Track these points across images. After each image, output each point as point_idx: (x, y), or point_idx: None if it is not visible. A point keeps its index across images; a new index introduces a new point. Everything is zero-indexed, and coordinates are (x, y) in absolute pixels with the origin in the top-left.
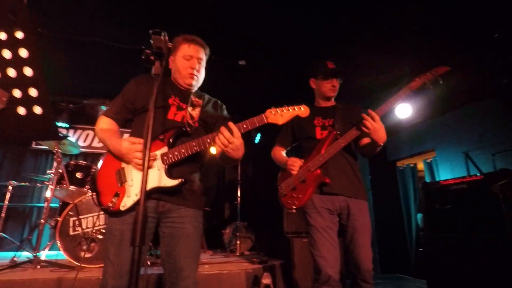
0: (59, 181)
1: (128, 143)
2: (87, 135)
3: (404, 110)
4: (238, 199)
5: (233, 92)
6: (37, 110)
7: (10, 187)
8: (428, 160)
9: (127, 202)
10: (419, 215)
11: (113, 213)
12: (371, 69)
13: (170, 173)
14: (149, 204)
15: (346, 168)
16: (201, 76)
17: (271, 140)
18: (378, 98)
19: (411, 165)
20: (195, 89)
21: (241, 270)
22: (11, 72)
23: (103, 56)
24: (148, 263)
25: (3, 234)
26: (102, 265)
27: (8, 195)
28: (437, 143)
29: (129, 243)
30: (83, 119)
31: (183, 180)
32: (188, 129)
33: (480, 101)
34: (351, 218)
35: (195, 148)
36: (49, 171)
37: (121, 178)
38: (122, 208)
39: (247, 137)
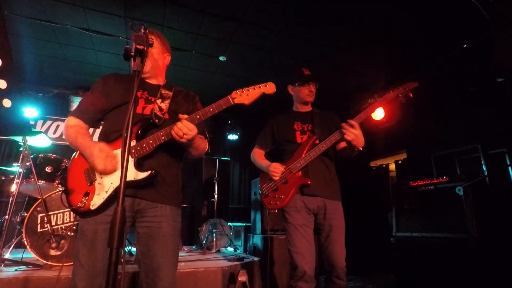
0: (26, 175)
1: (98, 150)
2: (57, 126)
3: (378, 113)
4: (215, 195)
5: (213, 87)
6: (7, 103)
7: None
8: (400, 161)
9: (97, 200)
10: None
11: (83, 213)
12: (349, 72)
13: (140, 166)
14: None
15: (324, 170)
16: (151, 60)
17: (249, 138)
18: (355, 99)
19: (384, 166)
20: (147, 75)
21: (218, 267)
22: None
23: (75, 44)
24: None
25: None
26: (71, 263)
27: None
28: (408, 144)
29: (102, 244)
30: (53, 109)
31: (153, 172)
32: (156, 120)
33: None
34: (327, 217)
35: (163, 138)
36: (15, 164)
37: (90, 177)
38: (92, 208)
39: (225, 133)
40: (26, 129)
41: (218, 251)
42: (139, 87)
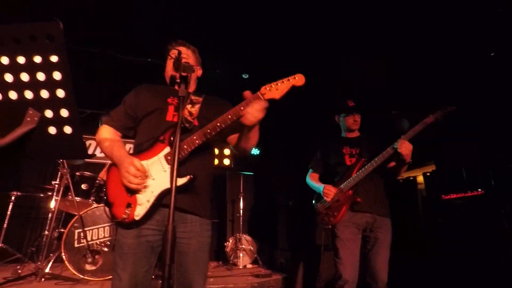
0: (64, 192)
1: (128, 164)
2: (89, 144)
3: (403, 123)
4: (241, 211)
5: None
6: (67, 130)
7: (12, 197)
8: (428, 173)
9: (140, 211)
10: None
11: (128, 225)
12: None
13: (177, 172)
14: (155, 217)
15: (374, 189)
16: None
17: (270, 153)
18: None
19: (411, 178)
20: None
21: (247, 284)
22: (44, 94)
23: (107, 67)
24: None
25: (5, 245)
26: (105, 278)
27: (10, 206)
28: (436, 155)
29: (138, 257)
30: (86, 129)
31: (192, 176)
32: (187, 125)
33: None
34: (374, 230)
35: (197, 141)
36: (54, 182)
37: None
38: (136, 218)
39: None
40: (87, 155)
41: (245, 266)
42: (171, 94)
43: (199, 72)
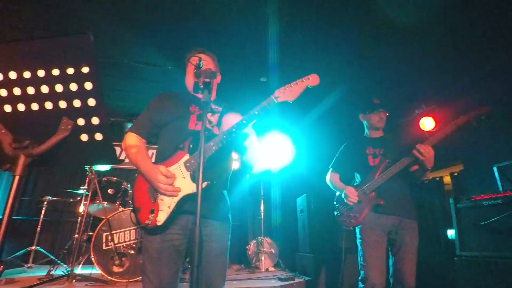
0: (92, 197)
1: (157, 173)
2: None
3: (427, 123)
4: (262, 214)
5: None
6: (98, 137)
7: (45, 202)
8: (455, 174)
9: (162, 216)
10: (450, 232)
11: (151, 230)
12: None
13: (195, 179)
14: (180, 222)
15: (398, 190)
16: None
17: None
18: (400, 111)
19: (437, 179)
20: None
21: (270, 287)
22: (77, 103)
23: (129, 76)
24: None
25: (39, 248)
26: (132, 279)
27: (43, 210)
28: (464, 155)
29: (167, 261)
30: (110, 136)
31: (209, 182)
32: (206, 132)
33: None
34: (400, 232)
35: (214, 147)
36: (82, 187)
37: (153, 195)
38: (158, 224)
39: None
40: (117, 160)
41: (267, 269)
42: (192, 102)
43: (218, 77)
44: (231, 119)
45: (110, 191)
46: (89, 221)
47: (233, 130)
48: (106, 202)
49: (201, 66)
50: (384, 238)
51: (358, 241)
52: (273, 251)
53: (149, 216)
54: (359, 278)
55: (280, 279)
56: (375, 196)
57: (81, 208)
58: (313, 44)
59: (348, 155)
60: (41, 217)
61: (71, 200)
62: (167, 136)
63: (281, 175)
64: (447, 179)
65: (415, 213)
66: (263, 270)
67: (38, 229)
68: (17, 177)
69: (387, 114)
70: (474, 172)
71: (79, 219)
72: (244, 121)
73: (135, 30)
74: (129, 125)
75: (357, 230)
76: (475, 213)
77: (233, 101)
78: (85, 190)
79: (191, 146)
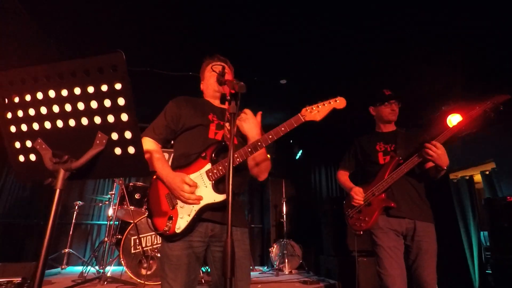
0: (120, 201)
1: (180, 181)
2: None
3: (454, 120)
4: (284, 216)
5: (275, 111)
6: (131, 150)
7: (76, 207)
8: (487, 172)
9: (181, 224)
10: (483, 234)
11: (169, 237)
12: (417, 79)
13: (217, 189)
14: (200, 229)
15: (411, 191)
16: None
17: (313, 157)
18: (427, 107)
19: (466, 177)
20: (214, 96)
21: None
22: (111, 118)
23: (148, 83)
24: (203, 281)
25: (71, 250)
26: (159, 282)
27: (75, 214)
28: (496, 153)
29: (186, 268)
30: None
31: (233, 191)
32: (228, 143)
33: None
34: (416, 239)
35: (238, 159)
36: (110, 192)
37: (172, 202)
38: (177, 231)
39: (289, 153)
40: (149, 172)
41: (290, 272)
42: (210, 110)
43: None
44: (251, 129)
45: (136, 196)
46: (117, 225)
47: (259, 144)
48: (133, 207)
49: (223, 74)
50: (401, 241)
51: (374, 246)
52: (297, 253)
53: (167, 223)
54: (380, 285)
55: (305, 283)
56: (386, 197)
57: (110, 212)
58: (332, 44)
59: (358, 152)
60: (73, 221)
61: (100, 204)
62: (186, 144)
63: (303, 176)
64: (477, 178)
65: (431, 215)
66: (286, 273)
67: (71, 232)
68: (58, 191)
69: (400, 106)
70: (508, 170)
71: (107, 223)
72: (270, 136)
73: (145, 33)
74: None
75: (372, 236)
76: (509, 214)
77: (251, 104)
78: (113, 195)
79: (213, 155)
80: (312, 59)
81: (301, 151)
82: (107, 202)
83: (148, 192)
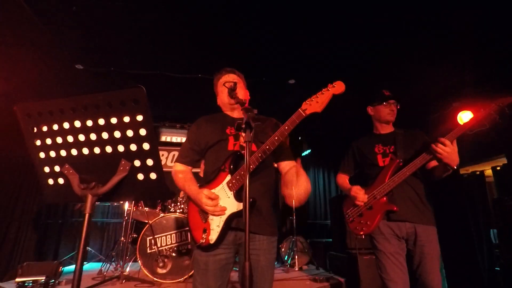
0: (136, 202)
1: (203, 197)
2: None
3: (465, 117)
4: (294, 214)
5: (284, 111)
6: (153, 176)
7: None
8: (498, 168)
9: (213, 235)
10: (492, 231)
11: (206, 247)
12: (426, 78)
13: (239, 197)
14: (228, 238)
15: (412, 195)
16: (241, 96)
17: (320, 154)
18: (435, 106)
19: (477, 173)
20: (230, 108)
21: None
22: (133, 147)
23: (161, 85)
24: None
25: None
26: (174, 280)
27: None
28: (508, 147)
29: (213, 273)
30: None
31: (252, 199)
32: (243, 152)
33: None
34: (418, 244)
35: (251, 166)
36: None
37: (204, 216)
38: (211, 242)
39: (297, 149)
40: (169, 196)
41: (301, 268)
42: (227, 124)
43: (248, 94)
44: (266, 133)
45: None
46: (133, 225)
47: (267, 147)
48: (147, 208)
49: (235, 88)
50: (402, 245)
51: (376, 251)
52: (306, 250)
53: (203, 235)
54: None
55: (315, 280)
56: (387, 201)
57: (125, 213)
58: (340, 43)
59: (356, 155)
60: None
61: (115, 203)
62: (210, 160)
63: (308, 173)
64: (488, 172)
65: (432, 218)
66: (296, 269)
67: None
68: (87, 215)
69: (399, 107)
70: None
71: (124, 222)
72: (276, 138)
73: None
74: (162, 129)
75: (372, 240)
76: None
77: (260, 104)
78: None
79: (231, 167)
80: (320, 59)
81: (309, 151)
82: (121, 202)
83: (188, 209)
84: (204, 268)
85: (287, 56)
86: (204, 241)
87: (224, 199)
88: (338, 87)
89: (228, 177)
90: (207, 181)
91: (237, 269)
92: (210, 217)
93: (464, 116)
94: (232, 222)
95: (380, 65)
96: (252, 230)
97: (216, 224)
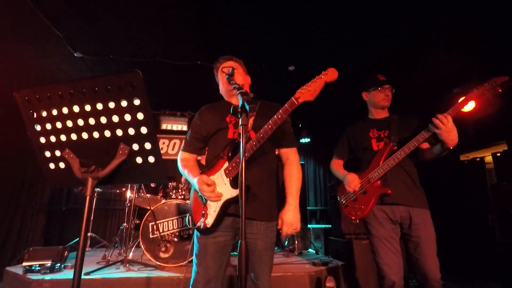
0: (138, 189)
1: (200, 183)
2: None
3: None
4: None
5: (283, 98)
6: (151, 159)
7: (96, 194)
8: (498, 154)
9: (210, 219)
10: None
11: (204, 231)
12: (428, 64)
13: (234, 184)
14: (226, 222)
15: (405, 178)
16: (239, 81)
17: (321, 140)
18: (438, 93)
19: (477, 159)
20: (229, 95)
21: (305, 272)
22: (131, 131)
23: (161, 73)
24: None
25: (93, 234)
26: (177, 264)
27: (95, 200)
28: (509, 134)
29: (211, 255)
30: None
31: (247, 185)
32: (238, 140)
33: None
34: (413, 227)
35: (246, 154)
36: None
37: (203, 201)
38: (208, 225)
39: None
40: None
41: (300, 253)
42: (227, 112)
43: (248, 80)
44: (267, 119)
45: (152, 184)
46: (135, 211)
47: (261, 136)
48: (149, 194)
49: (232, 74)
50: (396, 229)
51: (369, 236)
52: (306, 235)
53: (201, 219)
54: (377, 272)
55: (314, 264)
56: (381, 185)
57: (128, 200)
58: (340, 29)
59: (351, 140)
60: (93, 206)
61: (118, 191)
62: (212, 148)
63: (309, 160)
64: (488, 160)
65: (425, 201)
66: (296, 254)
67: (92, 217)
68: (88, 197)
69: (394, 91)
70: None
71: (126, 209)
72: (269, 127)
73: (163, 24)
74: (162, 117)
75: (366, 225)
76: None
77: (260, 91)
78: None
79: (229, 154)
80: (320, 46)
81: (309, 139)
82: (123, 189)
83: (191, 194)
84: (203, 250)
85: (287, 42)
86: (201, 224)
87: (221, 186)
88: (331, 74)
89: (226, 164)
90: (207, 168)
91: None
92: (208, 202)
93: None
94: (229, 208)
95: (380, 51)
96: (248, 216)
97: (213, 209)
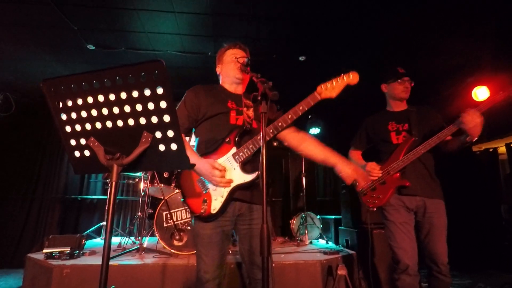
0: (151, 180)
1: (210, 167)
2: None
3: (480, 93)
4: (304, 190)
5: (294, 88)
6: (173, 147)
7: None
8: None
9: (216, 205)
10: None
11: (206, 218)
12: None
13: (245, 170)
14: (229, 210)
15: (422, 170)
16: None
17: (331, 131)
18: (449, 81)
19: (490, 150)
20: (227, 82)
21: (316, 260)
22: (154, 119)
23: (169, 64)
24: (229, 251)
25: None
26: (190, 252)
27: (109, 190)
28: None
29: (217, 244)
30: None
31: (259, 172)
32: (248, 126)
33: None
34: (427, 215)
35: (261, 141)
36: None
37: (204, 185)
38: (213, 212)
39: (305, 129)
40: (189, 166)
41: (311, 242)
42: (228, 97)
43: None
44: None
45: (165, 174)
46: (149, 201)
47: (279, 124)
48: (162, 184)
49: (248, 64)
50: (411, 217)
51: (386, 222)
52: (316, 225)
53: (203, 206)
54: (392, 257)
55: (325, 253)
56: (400, 177)
57: (142, 189)
58: (350, 19)
59: (370, 132)
60: (108, 196)
61: (131, 181)
62: (210, 131)
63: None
64: (502, 150)
65: (440, 192)
66: (307, 243)
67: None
68: (113, 183)
69: (413, 84)
70: None
71: (140, 199)
72: (289, 116)
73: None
74: None
75: (383, 211)
76: None
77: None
78: (143, 174)
79: (237, 139)
80: (331, 36)
81: (318, 131)
82: (136, 180)
83: (180, 178)
84: (208, 241)
85: (298, 32)
86: (204, 211)
87: (230, 171)
88: (354, 78)
89: (234, 149)
90: (207, 151)
91: (236, 239)
92: (212, 187)
93: (479, 92)
94: (235, 193)
95: (393, 41)
96: (252, 200)
97: (219, 195)
